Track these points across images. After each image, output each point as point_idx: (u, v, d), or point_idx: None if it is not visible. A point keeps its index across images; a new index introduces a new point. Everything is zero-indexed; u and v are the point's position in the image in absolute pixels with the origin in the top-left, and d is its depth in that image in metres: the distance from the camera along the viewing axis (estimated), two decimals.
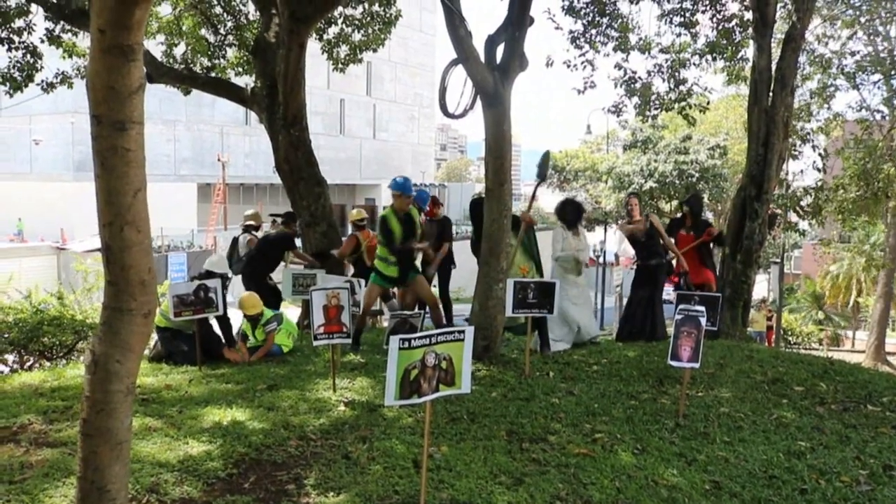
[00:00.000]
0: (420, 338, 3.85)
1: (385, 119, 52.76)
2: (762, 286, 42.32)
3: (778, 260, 28.92)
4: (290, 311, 10.44)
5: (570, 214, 8.80)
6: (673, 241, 9.57)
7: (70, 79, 12.23)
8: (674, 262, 9.61)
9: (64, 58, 12.15)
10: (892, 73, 15.03)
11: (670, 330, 6.31)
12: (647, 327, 9.26)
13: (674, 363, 5.91)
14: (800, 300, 36.47)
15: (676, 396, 6.19)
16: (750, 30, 11.39)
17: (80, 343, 10.38)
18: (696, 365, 5.95)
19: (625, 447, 5.14)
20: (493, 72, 7.33)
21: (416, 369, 3.83)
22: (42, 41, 11.56)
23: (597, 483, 4.46)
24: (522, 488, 4.30)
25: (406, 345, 3.77)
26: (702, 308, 6.04)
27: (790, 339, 29.71)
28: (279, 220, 10.73)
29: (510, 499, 4.12)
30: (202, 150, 42.64)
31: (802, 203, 14.77)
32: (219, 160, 40.06)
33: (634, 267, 9.50)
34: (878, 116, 17.43)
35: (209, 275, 7.91)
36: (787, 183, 16.23)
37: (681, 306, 6.09)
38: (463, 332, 4.02)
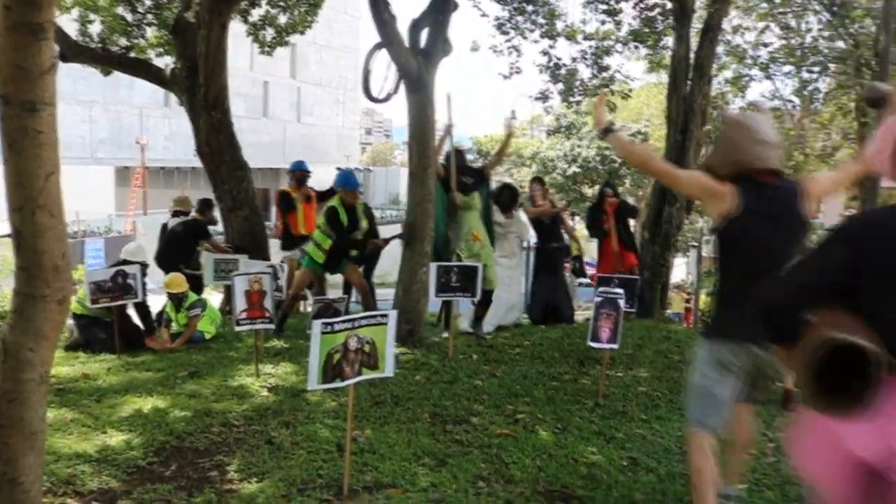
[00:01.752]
0: (343, 321, 3.86)
1: (310, 102, 52.01)
2: (681, 269, 43.52)
3: (696, 244, 29.72)
4: (214, 297, 10.27)
5: (507, 199, 8.99)
6: (597, 226, 9.75)
7: None
8: (572, 246, 9.95)
9: None
10: (803, 64, 15.62)
11: (582, 314, 6.48)
12: (561, 310, 9.48)
13: (594, 344, 6.07)
14: (716, 283, 37.54)
15: (596, 377, 6.35)
16: (671, 19, 11.67)
17: None
18: (616, 346, 6.13)
19: (546, 427, 5.26)
20: (417, 56, 7.34)
21: (338, 353, 3.84)
22: None
23: (518, 462, 4.56)
24: (445, 469, 4.36)
25: (329, 329, 3.78)
26: (620, 290, 6.22)
27: (707, 320, 30.60)
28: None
29: (433, 479, 4.18)
30: (120, 133, 41.26)
31: None
32: (138, 143, 38.89)
33: (534, 250, 9.72)
34: (789, 106, 18.12)
35: (125, 264, 7.72)
36: None
37: (600, 289, 6.27)
38: (386, 315, 4.05)
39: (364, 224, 7.94)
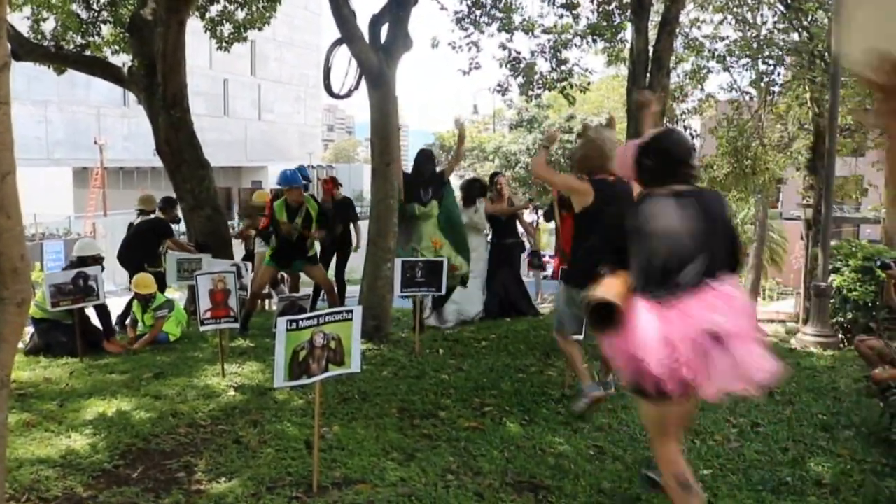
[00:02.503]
0: (308, 318, 3.85)
1: (270, 99, 51.54)
2: None
3: None
4: (176, 297, 10.16)
5: (477, 192, 9.06)
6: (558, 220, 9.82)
7: None
8: (527, 241, 10.03)
9: None
10: (759, 56, 15.83)
11: (548, 306, 6.54)
12: (518, 304, 9.51)
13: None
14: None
15: (562, 368, 6.41)
16: (628, 12, 11.76)
17: None
18: (581, 336, 6.19)
19: (513, 419, 5.31)
20: (378, 52, 7.34)
21: (304, 350, 3.83)
22: None
23: (486, 455, 4.59)
24: (414, 463, 4.38)
25: (294, 326, 3.77)
26: None
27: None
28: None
29: (402, 474, 4.19)
30: (77, 133, 40.50)
31: None
32: (96, 143, 38.22)
33: (490, 246, 9.72)
34: (747, 97, 18.38)
35: (81, 261, 7.61)
36: None
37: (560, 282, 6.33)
38: (351, 311, 4.05)
39: (299, 221, 7.97)
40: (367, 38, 7.39)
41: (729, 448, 4.91)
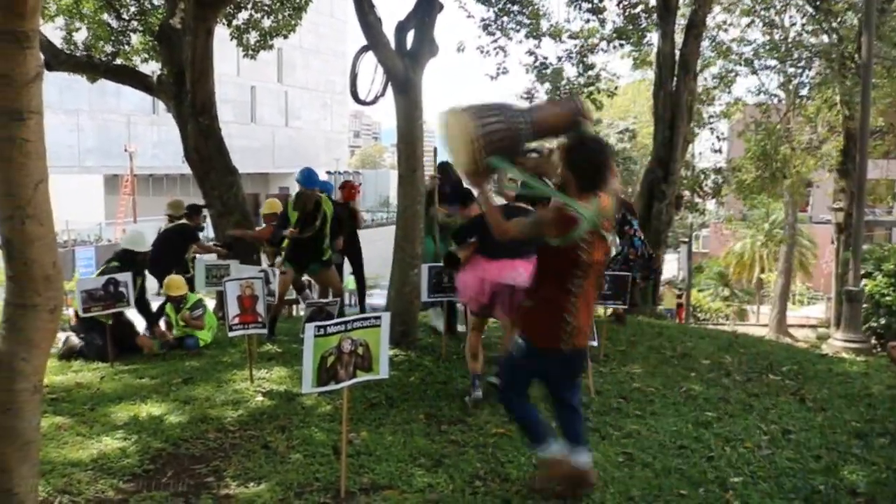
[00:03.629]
0: (335, 324, 3.86)
1: (297, 106, 51.92)
2: (673, 265, 43.67)
3: (686, 240, 29.84)
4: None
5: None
6: None
7: None
8: None
9: None
10: (787, 59, 15.69)
11: None
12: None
13: None
14: (707, 278, 37.81)
15: (590, 374, 6.35)
16: (654, 16, 11.72)
17: None
18: (595, 343, 6.19)
19: None
20: (404, 58, 7.33)
21: (332, 356, 3.84)
22: None
23: (514, 461, 4.57)
24: (442, 469, 4.37)
25: (322, 332, 3.78)
26: None
27: (699, 315, 30.78)
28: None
29: (430, 480, 4.19)
30: (108, 141, 41.08)
31: (704, 184, 15.32)
32: (126, 150, 38.73)
33: None
34: (775, 100, 18.19)
35: (130, 254, 7.72)
36: (693, 165, 16.79)
37: None
38: (379, 317, 4.05)
39: (317, 225, 7.99)
40: (392, 44, 7.39)
41: (760, 455, 4.85)
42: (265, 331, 6.64)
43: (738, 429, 5.34)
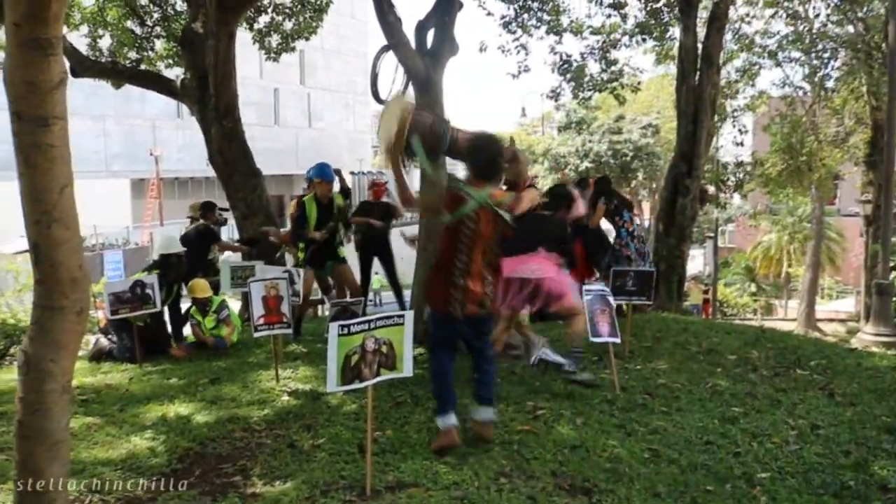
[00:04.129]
0: (359, 323, 3.88)
1: (320, 108, 52.11)
2: (699, 261, 43.33)
3: (712, 234, 29.62)
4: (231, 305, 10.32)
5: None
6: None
7: None
8: None
9: None
10: (813, 50, 15.50)
11: None
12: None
13: (596, 339, 6.16)
14: (734, 273, 37.42)
15: (615, 371, 6.31)
16: (676, 10, 11.63)
17: (12, 348, 10.07)
18: (618, 339, 6.19)
19: (566, 422, 5.26)
20: (424, 57, 7.35)
21: (356, 355, 3.86)
22: None
23: (539, 457, 4.56)
24: (467, 466, 4.37)
25: (345, 331, 3.80)
26: (604, 287, 6.58)
27: (726, 310, 30.49)
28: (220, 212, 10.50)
29: (455, 477, 4.19)
30: (134, 145, 41.48)
31: (727, 178, 15.16)
32: (151, 155, 39.11)
33: None
34: (800, 93, 17.96)
35: (165, 259, 7.85)
36: (716, 159, 16.62)
37: (586, 287, 6.50)
38: (402, 316, 4.07)
39: (333, 224, 8.05)
40: (413, 43, 7.41)
41: (788, 451, 4.80)
42: (290, 331, 6.68)
43: (766, 424, 5.29)
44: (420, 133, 4.93)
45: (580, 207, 6.99)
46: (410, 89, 7.59)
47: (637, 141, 28.03)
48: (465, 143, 4.96)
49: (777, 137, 16.82)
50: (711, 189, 14.94)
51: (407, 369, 4.11)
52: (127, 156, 41.43)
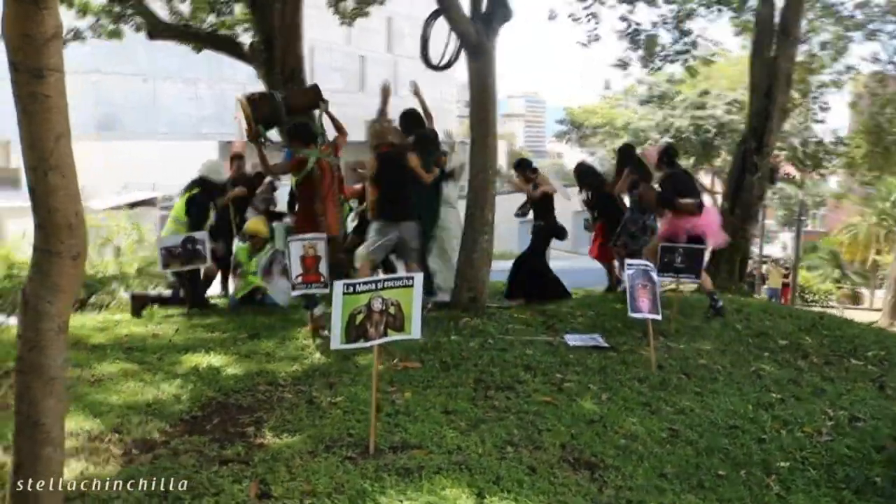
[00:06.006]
0: (365, 283, 3.92)
1: (405, 76, 52.22)
2: (789, 244, 41.80)
3: (802, 217, 28.49)
4: None
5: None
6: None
7: (83, 37, 12.08)
8: None
9: (80, 16, 12.01)
10: None
11: None
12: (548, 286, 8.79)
13: (635, 315, 6.05)
14: (819, 258, 35.84)
15: (655, 347, 6.20)
16: None
17: (91, 297, 10.37)
18: (658, 316, 6.08)
19: (591, 396, 5.20)
20: (476, 23, 7.28)
21: (361, 314, 3.90)
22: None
23: (553, 429, 4.54)
24: (476, 433, 4.38)
25: (350, 290, 3.85)
26: (649, 262, 6.42)
27: (807, 296, 29.33)
28: None
29: (460, 442, 4.20)
30: (224, 109, 42.53)
31: (803, 156, 14.50)
32: (235, 118, 40.08)
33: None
34: (893, 69, 16.94)
35: (206, 182, 8.10)
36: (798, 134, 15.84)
37: (628, 262, 6.41)
38: (412, 277, 4.08)
39: None
40: (467, 10, 7.35)
41: (817, 441, 4.65)
42: (327, 290, 6.77)
43: (801, 413, 5.13)
44: (263, 119, 7.09)
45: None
46: (463, 55, 7.56)
47: (721, 117, 27.00)
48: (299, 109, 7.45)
49: (864, 117, 15.97)
50: (787, 168, 14.34)
51: (415, 331, 4.13)
52: (216, 119, 42.55)
